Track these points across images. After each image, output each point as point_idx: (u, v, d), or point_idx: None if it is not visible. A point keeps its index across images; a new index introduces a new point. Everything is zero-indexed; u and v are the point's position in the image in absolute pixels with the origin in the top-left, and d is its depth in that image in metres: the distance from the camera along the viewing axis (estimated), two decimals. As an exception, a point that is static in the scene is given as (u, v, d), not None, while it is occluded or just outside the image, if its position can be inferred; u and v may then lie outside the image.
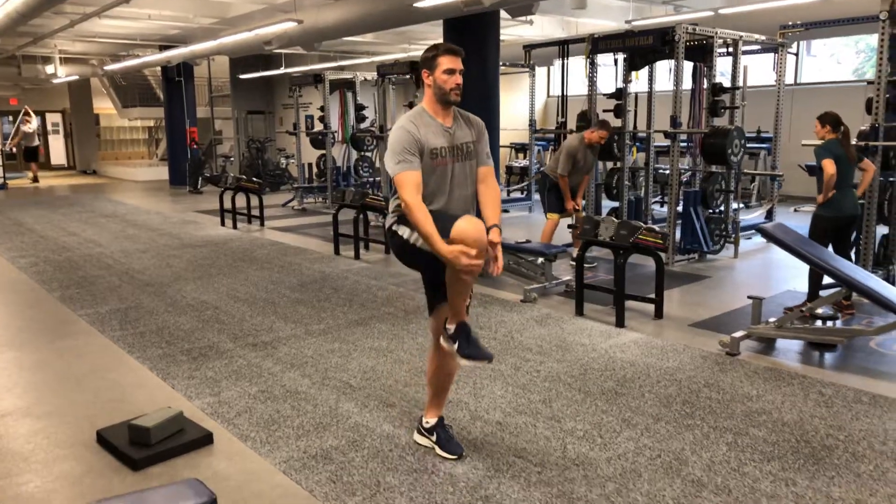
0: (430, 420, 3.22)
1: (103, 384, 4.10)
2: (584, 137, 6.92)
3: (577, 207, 7.02)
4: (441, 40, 8.63)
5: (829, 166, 5.13)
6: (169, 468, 3.09)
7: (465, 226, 2.68)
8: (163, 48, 15.12)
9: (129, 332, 5.09)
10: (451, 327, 2.96)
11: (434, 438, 3.18)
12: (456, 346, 2.92)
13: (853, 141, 6.04)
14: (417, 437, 3.28)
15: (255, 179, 10.77)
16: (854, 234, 5.74)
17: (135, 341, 4.86)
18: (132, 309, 5.72)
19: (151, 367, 4.35)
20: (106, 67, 17.10)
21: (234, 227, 10.15)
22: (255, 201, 10.37)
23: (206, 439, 3.30)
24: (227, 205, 10.33)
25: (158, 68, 17.10)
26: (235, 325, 5.23)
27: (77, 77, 18.83)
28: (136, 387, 4.06)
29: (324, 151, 12.48)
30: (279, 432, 3.42)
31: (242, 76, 17.79)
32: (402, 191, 2.78)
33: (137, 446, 3.16)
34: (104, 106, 22.81)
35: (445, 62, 2.87)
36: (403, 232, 2.90)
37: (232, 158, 17.95)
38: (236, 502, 2.81)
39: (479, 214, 2.94)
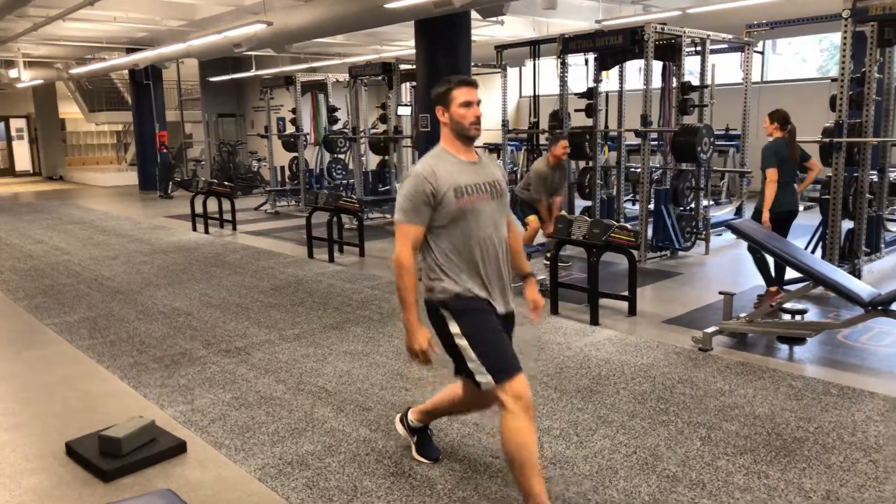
0: (416, 422, 3.15)
1: (73, 394, 4.02)
2: (550, 158, 6.83)
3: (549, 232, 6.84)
4: (413, 42, 8.62)
5: (772, 176, 5.26)
6: (141, 479, 3.04)
7: (523, 389, 2.52)
8: (130, 51, 14.89)
9: (99, 340, 4.99)
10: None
11: (415, 440, 3.17)
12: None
13: (818, 137, 6.17)
14: (398, 425, 3.23)
15: (226, 183, 10.65)
16: (822, 230, 5.83)
17: (105, 350, 4.77)
18: (102, 317, 5.61)
19: (122, 375, 4.27)
20: (71, 71, 16.78)
21: (206, 231, 10.03)
22: (226, 205, 10.26)
23: (179, 448, 3.25)
24: (199, 209, 10.21)
25: (126, 71, 16.84)
26: (208, 332, 5.16)
27: (42, 81, 18.47)
28: (106, 396, 3.98)
29: (296, 154, 12.39)
30: (254, 439, 3.38)
31: (212, 79, 17.60)
32: (398, 240, 2.61)
33: (108, 457, 3.10)
34: (70, 110, 22.40)
35: (461, 95, 2.62)
36: (450, 324, 2.65)
37: (203, 162, 17.75)
38: (211, 511, 2.77)
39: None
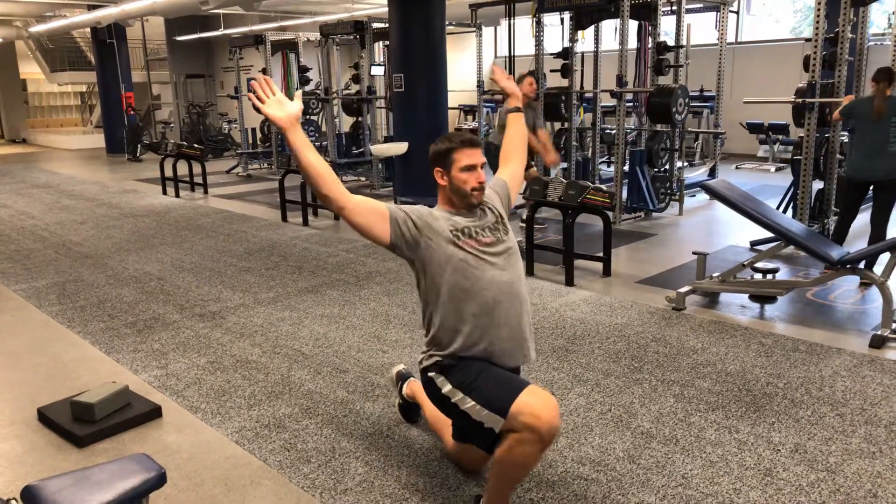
0: (408, 396, 3.07)
1: (42, 360, 3.95)
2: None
3: (553, 160, 6.86)
4: (386, 0, 8.42)
5: (835, 115, 5.44)
6: (116, 444, 3.01)
7: (533, 401, 2.10)
8: (91, 8, 14.35)
9: (69, 306, 4.90)
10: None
11: (400, 402, 3.15)
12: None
13: (791, 98, 6.18)
14: (393, 371, 3.20)
15: (196, 146, 10.43)
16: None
17: (75, 315, 4.69)
18: (71, 282, 5.51)
19: (94, 341, 4.21)
20: (31, 29, 16.17)
21: (177, 195, 9.85)
22: (197, 168, 10.07)
23: (154, 413, 3.22)
24: (169, 172, 10.00)
25: (88, 30, 16.26)
26: (181, 296, 5.10)
27: (0, 40, 17.78)
28: (77, 362, 3.93)
29: (267, 115, 12.14)
30: (230, 402, 3.36)
31: (179, 38, 17.09)
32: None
33: (81, 423, 3.07)
34: (31, 70, 21.66)
35: (463, 157, 2.39)
36: (441, 384, 2.34)
37: (172, 124, 17.34)
38: (188, 475, 2.76)
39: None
